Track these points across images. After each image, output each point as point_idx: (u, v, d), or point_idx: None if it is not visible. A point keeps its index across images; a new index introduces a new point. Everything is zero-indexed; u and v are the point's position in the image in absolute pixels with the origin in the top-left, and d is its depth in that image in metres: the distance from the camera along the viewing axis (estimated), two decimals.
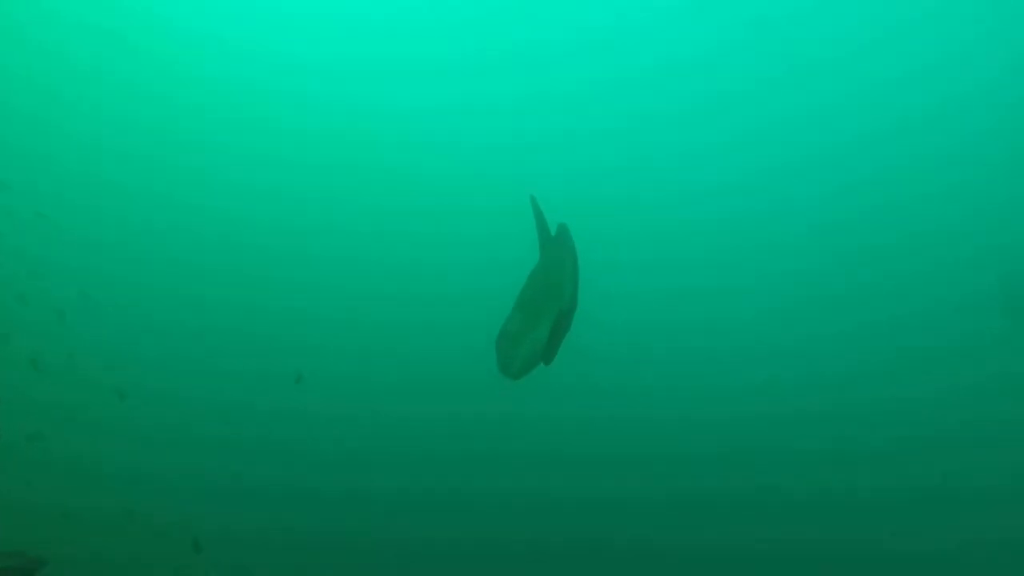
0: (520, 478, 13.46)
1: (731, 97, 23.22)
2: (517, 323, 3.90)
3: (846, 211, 22.17)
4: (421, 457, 13.89)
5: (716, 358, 18.53)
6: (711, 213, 22.56)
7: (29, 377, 11.91)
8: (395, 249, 21.08)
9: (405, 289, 19.70)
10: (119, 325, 15.85)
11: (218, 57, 22.77)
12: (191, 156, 21.37)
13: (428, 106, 23.94)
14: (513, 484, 13.25)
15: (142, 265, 18.45)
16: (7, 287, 13.42)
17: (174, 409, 13.79)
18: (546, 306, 4.04)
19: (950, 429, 14.89)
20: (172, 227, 19.71)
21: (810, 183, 22.71)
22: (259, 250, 20.32)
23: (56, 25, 21.05)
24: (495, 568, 11.42)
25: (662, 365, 18.07)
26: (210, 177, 21.26)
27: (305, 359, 15.83)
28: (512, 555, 11.63)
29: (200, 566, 9.18)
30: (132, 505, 10.30)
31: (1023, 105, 21.27)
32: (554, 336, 3.97)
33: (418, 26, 23.43)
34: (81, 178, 19.60)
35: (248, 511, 11.51)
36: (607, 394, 16.21)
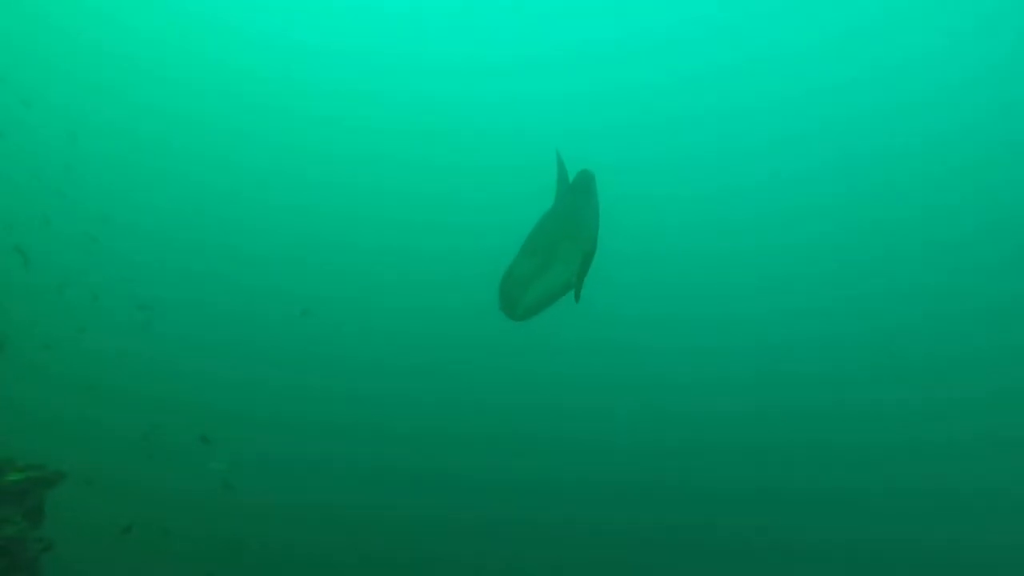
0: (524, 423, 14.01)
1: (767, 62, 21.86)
2: (525, 267, 3.99)
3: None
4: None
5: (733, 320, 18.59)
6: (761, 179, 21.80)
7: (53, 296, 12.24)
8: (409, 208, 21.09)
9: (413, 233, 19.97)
10: (142, 249, 16.25)
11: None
12: (221, 77, 21.20)
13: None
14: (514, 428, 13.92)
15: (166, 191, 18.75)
16: (34, 209, 13.65)
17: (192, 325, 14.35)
18: (562, 251, 4.14)
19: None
20: (198, 155, 19.91)
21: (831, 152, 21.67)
22: (282, 176, 20.57)
23: None
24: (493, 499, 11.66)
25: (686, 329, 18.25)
26: (237, 99, 21.15)
27: (316, 286, 16.56)
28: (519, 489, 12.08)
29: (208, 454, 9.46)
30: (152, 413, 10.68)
31: None
32: (579, 276, 4.17)
33: None
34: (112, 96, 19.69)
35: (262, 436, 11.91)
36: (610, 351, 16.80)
